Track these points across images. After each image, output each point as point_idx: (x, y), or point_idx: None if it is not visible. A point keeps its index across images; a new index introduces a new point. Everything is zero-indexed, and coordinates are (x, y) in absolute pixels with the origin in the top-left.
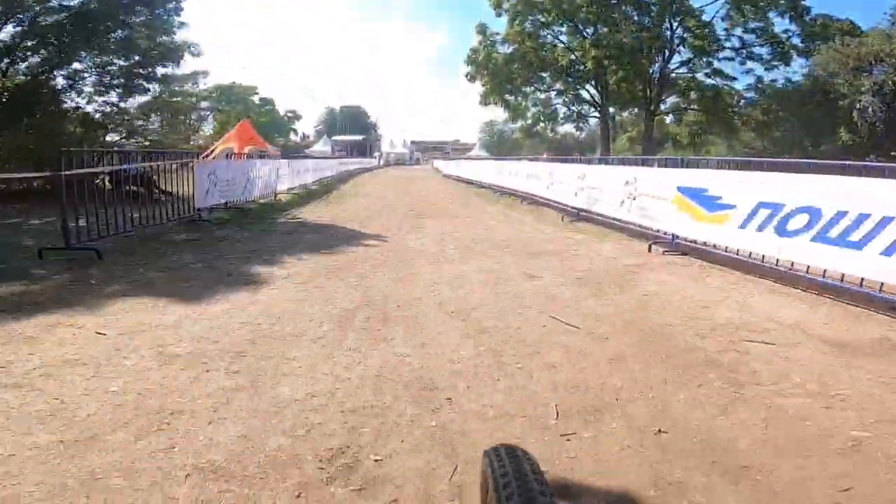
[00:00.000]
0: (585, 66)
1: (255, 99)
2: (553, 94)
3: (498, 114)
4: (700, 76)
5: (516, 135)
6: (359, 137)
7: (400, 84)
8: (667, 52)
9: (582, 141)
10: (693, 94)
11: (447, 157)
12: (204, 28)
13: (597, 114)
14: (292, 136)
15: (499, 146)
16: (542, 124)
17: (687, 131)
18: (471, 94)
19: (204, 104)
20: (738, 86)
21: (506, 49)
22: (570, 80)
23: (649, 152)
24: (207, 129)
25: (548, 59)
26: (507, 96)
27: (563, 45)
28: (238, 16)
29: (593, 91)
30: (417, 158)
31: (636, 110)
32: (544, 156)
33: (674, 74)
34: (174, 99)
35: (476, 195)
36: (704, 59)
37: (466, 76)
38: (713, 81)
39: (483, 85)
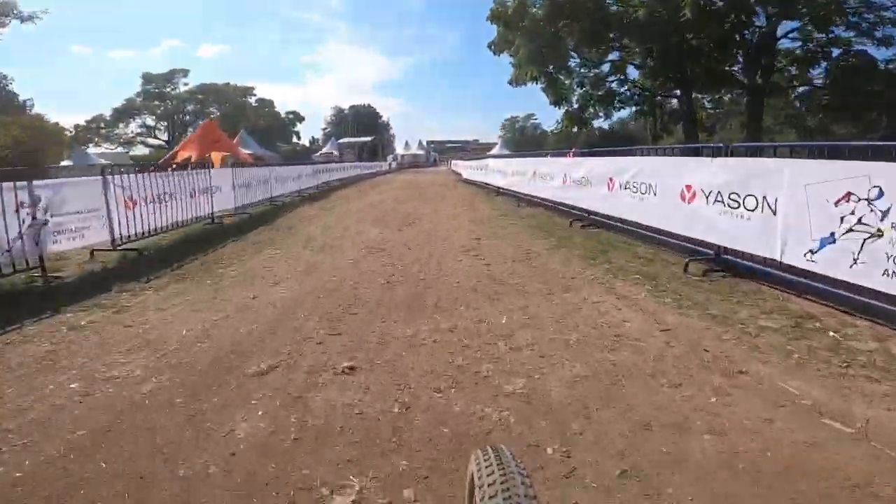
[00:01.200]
0: (682, 16)
1: (252, 100)
2: (606, 67)
3: (525, 105)
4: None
5: (560, 126)
6: (368, 139)
7: (417, 84)
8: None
9: (617, 132)
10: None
11: (466, 158)
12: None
13: (664, 95)
14: (297, 140)
15: (521, 144)
16: (591, 109)
17: (815, 116)
18: (489, 94)
19: (190, 108)
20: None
21: None
22: (645, 43)
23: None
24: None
25: (614, 11)
26: (548, 69)
27: None
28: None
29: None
30: (435, 159)
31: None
32: (570, 153)
33: (783, 42)
34: (154, 102)
35: (533, 232)
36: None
37: (490, 46)
38: (841, 50)
39: (512, 55)
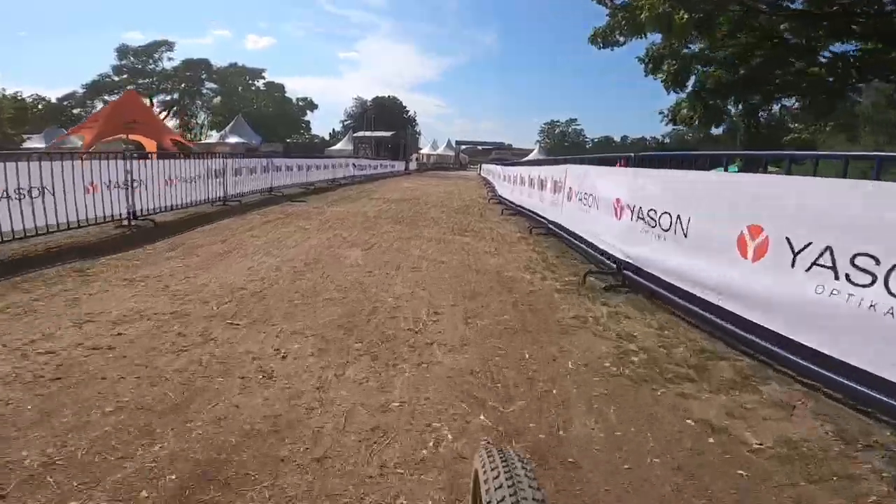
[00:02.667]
0: None
1: (261, 84)
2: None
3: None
4: None
5: (666, 118)
6: (387, 133)
7: (454, 86)
8: None
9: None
10: None
11: (505, 163)
12: None
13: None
14: (308, 130)
15: (562, 151)
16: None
17: None
18: (523, 96)
19: (182, 86)
20: None
21: None
22: None
23: None
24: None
25: None
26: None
27: None
28: None
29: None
30: (462, 162)
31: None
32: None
33: None
34: (134, 79)
35: None
36: None
37: None
38: None
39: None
